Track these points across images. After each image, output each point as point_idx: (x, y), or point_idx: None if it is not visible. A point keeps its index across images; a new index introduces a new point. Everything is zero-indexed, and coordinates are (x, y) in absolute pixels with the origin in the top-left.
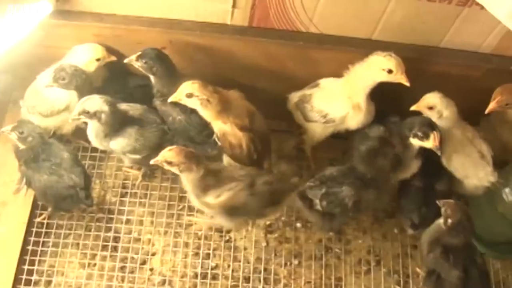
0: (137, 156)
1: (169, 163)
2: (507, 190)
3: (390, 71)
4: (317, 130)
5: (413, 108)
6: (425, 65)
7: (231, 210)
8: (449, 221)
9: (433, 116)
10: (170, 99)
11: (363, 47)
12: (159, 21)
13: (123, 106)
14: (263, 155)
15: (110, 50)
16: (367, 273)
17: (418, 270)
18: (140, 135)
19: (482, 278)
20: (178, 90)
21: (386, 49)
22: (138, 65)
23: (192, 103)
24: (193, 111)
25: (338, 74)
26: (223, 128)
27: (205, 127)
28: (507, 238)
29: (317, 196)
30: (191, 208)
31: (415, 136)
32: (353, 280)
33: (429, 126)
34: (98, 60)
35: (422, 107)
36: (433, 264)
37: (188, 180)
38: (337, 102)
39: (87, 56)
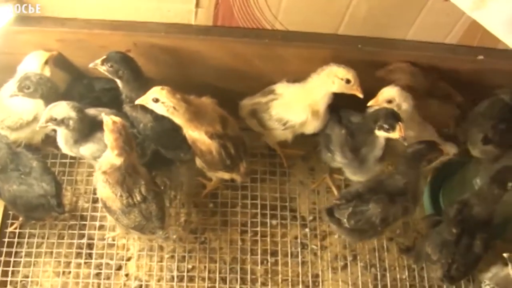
0: None
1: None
2: (478, 180)
3: (348, 81)
4: (276, 134)
5: (371, 103)
6: (393, 57)
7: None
8: None
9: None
10: (137, 101)
11: (330, 42)
12: (123, 24)
13: (92, 111)
14: (237, 159)
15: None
16: (344, 268)
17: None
18: None
19: None
20: (146, 94)
21: (352, 43)
22: (103, 69)
23: (158, 109)
24: (165, 117)
25: (305, 70)
26: (193, 135)
27: (178, 132)
28: None
29: (344, 216)
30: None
31: (381, 128)
32: (330, 276)
33: (394, 117)
34: (46, 63)
35: (380, 102)
36: None
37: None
38: (297, 108)
39: (36, 63)
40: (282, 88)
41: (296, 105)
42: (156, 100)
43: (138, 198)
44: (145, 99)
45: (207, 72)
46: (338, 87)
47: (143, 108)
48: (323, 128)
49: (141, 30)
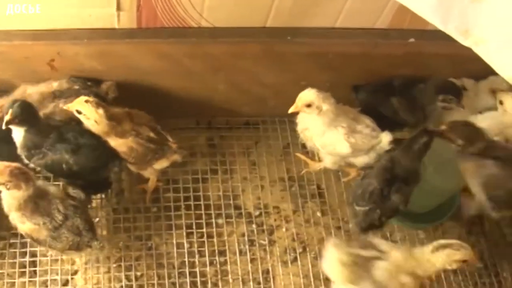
0: None
1: None
2: (431, 169)
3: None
4: None
5: (291, 110)
6: (324, 47)
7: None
8: None
9: (313, 112)
10: (65, 107)
11: (258, 36)
12: (44, 33)
13: None
14: (160, 139)
15: None
16: (294, 261)
17: None
18: None
19: None
20: (74, 102)
21: (281, 35)
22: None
23: (81, 118)
24: (80, 145)
25: (235, 66)
26: (111, 144)
27: (100, 149)
28: (426, 209)
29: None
30: (108, 220)
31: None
32: (281, 270)
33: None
34: None
35: (300, 107)
36: None
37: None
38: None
39: None
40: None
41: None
42: (79, 112)
43: (60, 217)
44: (72, 107)
45: (139, 75)
46: (451, 267)
47: (52, 149)
48: None
49: (64, 38)
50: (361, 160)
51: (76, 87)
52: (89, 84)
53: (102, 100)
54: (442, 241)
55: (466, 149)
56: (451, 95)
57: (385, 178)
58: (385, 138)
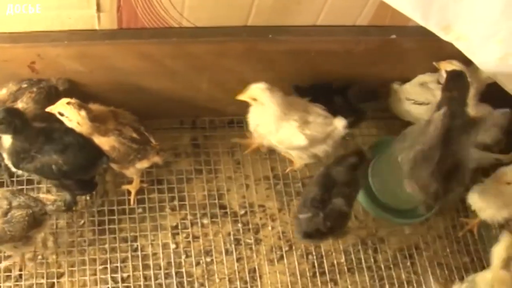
0: None
1: None
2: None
3: None
4: None
5: (239, 97)
6: (306, 44)
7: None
8: None
9: (258, 106)
10: (47, 109)
11: (240, 35)
12: (23, 36)
13: None
14: (143, 139)
15: None
16: (281, 259)
17: None
18: None
19: None
20: (56, 103)
21: (263, 33)
22: None
23: (64, 120)
24: (67, 144)
25: (218, 66)
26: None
27: (87, 147)
28: (412, 204)
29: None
30: (93, 222)
31: None
32: (268, 269)
33: None
34: None
35: (247, 99)
36: None
37: None
38: None
39: None
40: None
41: None
42: (61, 114)
43: (5, 202)
44: (54, 109)
45: (121, 76)
46: None
47: (40, 152)
48: None
49: (44, 41)
50: (321, 149)
51: (24, 85)
52: (35, 81)
53: (54, 94)
54: None
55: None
56: (368, 102)
57: (324, 183)
58: (339, 123)
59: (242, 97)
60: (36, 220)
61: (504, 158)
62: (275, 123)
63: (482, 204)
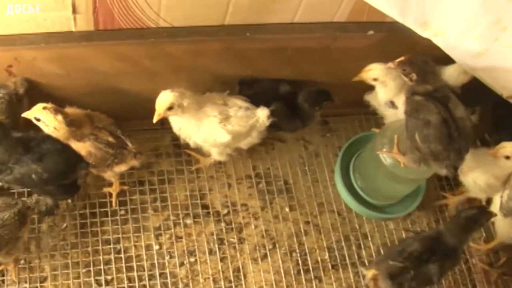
0: None
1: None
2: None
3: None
4: None
5: (155, 119)
6: (284, 42)
7: None
8: None
9: (177, 113)
10: (23, 114)
11: (217, 34)
12: None
13: None
14: (119, 142)
15: None
16: (265, 257)
17: None
18: None
19: None
20: (32, 109)
21: (240, 32)
22: None
23: (40, 126)
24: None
25: (197, 65)
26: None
27: (66, 153)
28: (395, 199)
29: (408, 279)
30: (75, 225)
31: None
32: (252, 268)
33: None
34: None
35: (163, 113)
36: None
37: None
38: None
39: None
40: None
41: None
42: (38, 120)
43: None
44: (30, 114)
45: (100, 78)
46: None
47: (18, 162)
48: None
49: (20, 44)
50: (246, 142)
51: None
52: None
53: (14, 97)
54: None
55: (416, 86)
56: (324, 101)
57: (428, 245)
58: (262, 113)
59: (159, 116)
60: (24, 216)
61: None
62: (195, 123)
63: (472, 164)
